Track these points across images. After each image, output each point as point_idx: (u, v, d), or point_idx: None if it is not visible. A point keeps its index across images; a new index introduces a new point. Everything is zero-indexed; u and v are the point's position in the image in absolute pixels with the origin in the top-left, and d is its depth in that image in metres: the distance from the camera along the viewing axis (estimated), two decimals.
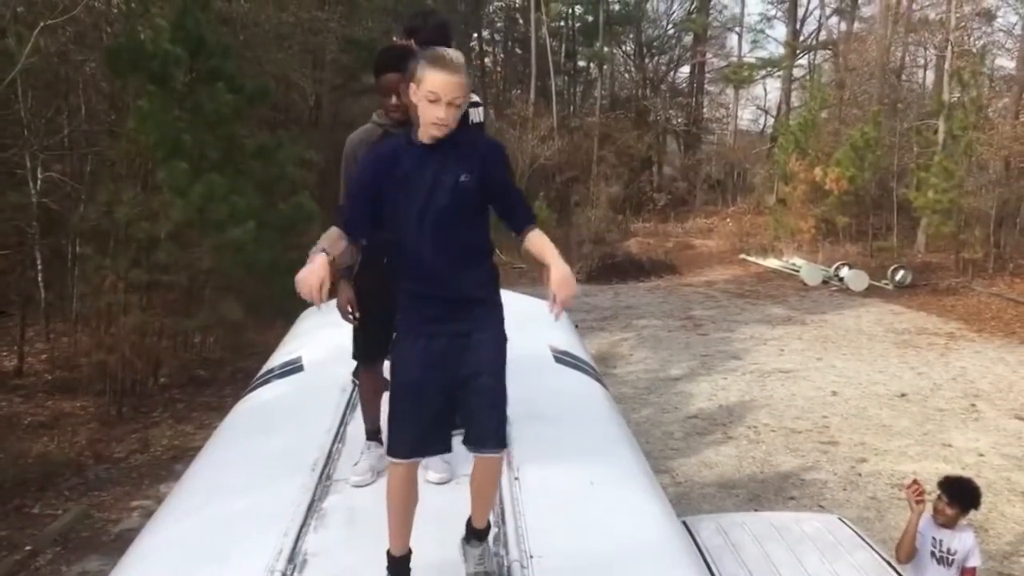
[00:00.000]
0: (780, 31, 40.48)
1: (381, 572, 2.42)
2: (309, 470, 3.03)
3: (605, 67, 38.79)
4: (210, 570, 2.54)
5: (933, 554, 4.58)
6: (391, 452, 2.45)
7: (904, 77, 32.65)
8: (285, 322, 6.44)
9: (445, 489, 2.91)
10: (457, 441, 2.52)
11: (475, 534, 2.47)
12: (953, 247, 22.18)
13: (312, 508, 2.78)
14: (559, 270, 2.37)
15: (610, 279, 22.89)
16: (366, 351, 3.29)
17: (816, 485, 8.65)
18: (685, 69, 42.33)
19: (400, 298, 2.52)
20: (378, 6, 22.72)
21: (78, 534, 7.50)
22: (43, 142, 11.33)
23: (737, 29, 40.89)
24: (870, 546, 4.40)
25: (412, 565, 2.44)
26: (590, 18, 38.33)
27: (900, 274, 20.93)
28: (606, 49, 37.76)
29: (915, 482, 4.70)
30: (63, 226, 11.79)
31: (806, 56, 39.23)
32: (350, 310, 3.30)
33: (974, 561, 4.58)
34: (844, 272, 21.38)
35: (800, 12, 38.47)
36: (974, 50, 25.88)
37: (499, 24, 40.57)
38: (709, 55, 40.87)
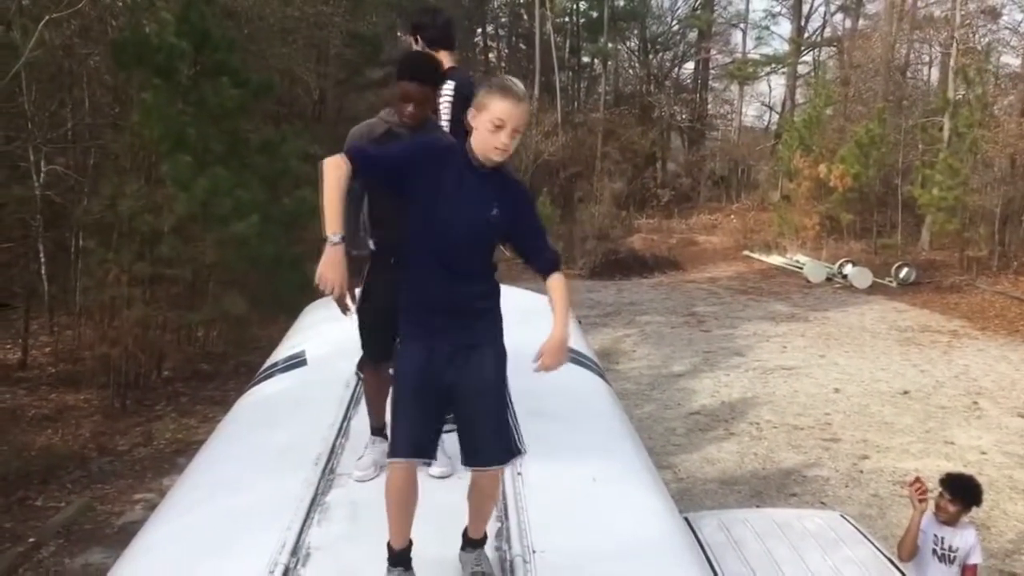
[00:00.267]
0: (785, 28, 40.44)
1: (383, 566, 2.43)
2: (312, 464, 3.04)
3: (609, 63, 38.73)
4: (213, 563, 2.54)
5: (935, 552, 4.57)
6: (393, 453, 2.47)
7: (909, 74, 32.58)
8: (289, 316, 6.44)
9: (446, 484, 2.91)
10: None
11: (471, 543, 2.48)
12: (957, 245, 22.15)
13: (315, 502, 2.79)
14: (556, 337, 2.48)
15: (613, 275, 22.89)
16: (372, 351, 3.29)
17: (818, 482, 8.65)
18: (689, 65, 42.34)
19: (404, 302, 2.55)
20: (383, 1, 22.69)
21: (81, 526, 7.52)
22: (47, 135, 11.33)
23: (742, 25, 40.87)
24: (872, 543, 4.40)
25: (413, 562, 2.45)
26: (594, 14, 38.27)
27: (904, 271, 20.91)
28: (610, 45, 37.69)
29: (918, 480, 4.70)
30: (67, 219, 11.80)
31: (811, 53, 39.17)
32: (347, 300, 3.31)
33: (976, 558, 4.58)
34: (848, 269, 21.37)
35: (805, 9, 38.43)
36: (979, 47, 25.82)
37: (503, 19, 40.53)
38: (713, 51, 40.84)
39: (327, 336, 4.51)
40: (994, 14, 28.15)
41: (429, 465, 2.61)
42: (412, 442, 2.43)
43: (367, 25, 21.45)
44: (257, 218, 10.31)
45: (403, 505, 2.43)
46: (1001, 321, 16.83)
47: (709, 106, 41.52)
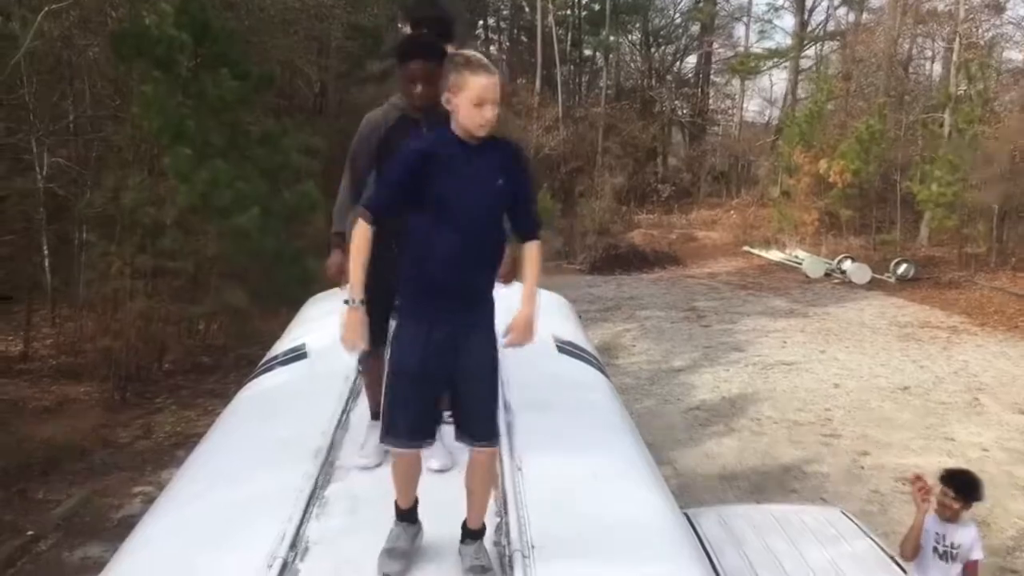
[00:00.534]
0: (788, 21, 40.48)
1: None
2: (312, 457, 3.03)
3: (611, 56, 38.64)
4: (212, 556, 2.54)
5: (936, 550, 4.55)
6: (392, 440, 2.50)
7: (911, 69, 32.53)
8: (289, 309, 6.43)
9: (446, 478, 2.91)
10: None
11: (470, 534, 2.49)
12: (956, 241, 22.15)
13: (314, 495, 2.78)
14: (524, 314, 2.53)
15: (613, 270, 22.89)
16: (372, 337, 3.29)
17: (818, 478, 8.66)
18: (691, 59, 42.21)
19: (405, 286, 2.57)
20: None
21: (81, 519, 7.53)
22: (48, 127, 11.33)
23: (744, 19, 40.74)
24: (871, 539, 4.40)
25: (414, 562, 2.48)
26: (597, 7, 38.18)
27: (903, 268, 20.90)
28: (612, 38, 37.60)
29: (921, 479, 4.67)
30: (69, 212, 11.80)
31: (813, 47, 39.08)
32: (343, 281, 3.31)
33: (977, 554, 4.56)
34: (847, 265, 21.36)
35: (808, 2, 38.29)
36: (982, 42, 25.78)
37: (505, 12, 40.45)
38: (716, 45, 40.72)
39: (328, 329, 4.47)
40: (998, 9, 28.12)
41: (429, 446, 2.65)
42: (411, 428, 2.48)
43: (368, 17, 21.39)
44: (258, 211, 10.31)
45: (408, 477, 2.54)
46: (1000, 317, 16.83)
47: (711, 101, 41.43)
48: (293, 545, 2.47)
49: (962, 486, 4.59)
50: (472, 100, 2.41)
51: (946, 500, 4.54)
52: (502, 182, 2.49)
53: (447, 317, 2.49)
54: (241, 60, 11.34)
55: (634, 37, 41.87)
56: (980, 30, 27.14)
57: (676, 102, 39.11)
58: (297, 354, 4.45)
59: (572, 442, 3.25)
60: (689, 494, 7.89)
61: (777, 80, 40.95)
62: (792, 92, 37.06)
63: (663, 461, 8.43)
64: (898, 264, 21.02)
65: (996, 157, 20.88)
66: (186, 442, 8.73)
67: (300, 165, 12.33)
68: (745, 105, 41.24)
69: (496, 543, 2.54)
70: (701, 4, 40.01)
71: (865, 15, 36.78)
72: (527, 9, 38.30)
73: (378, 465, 2.98)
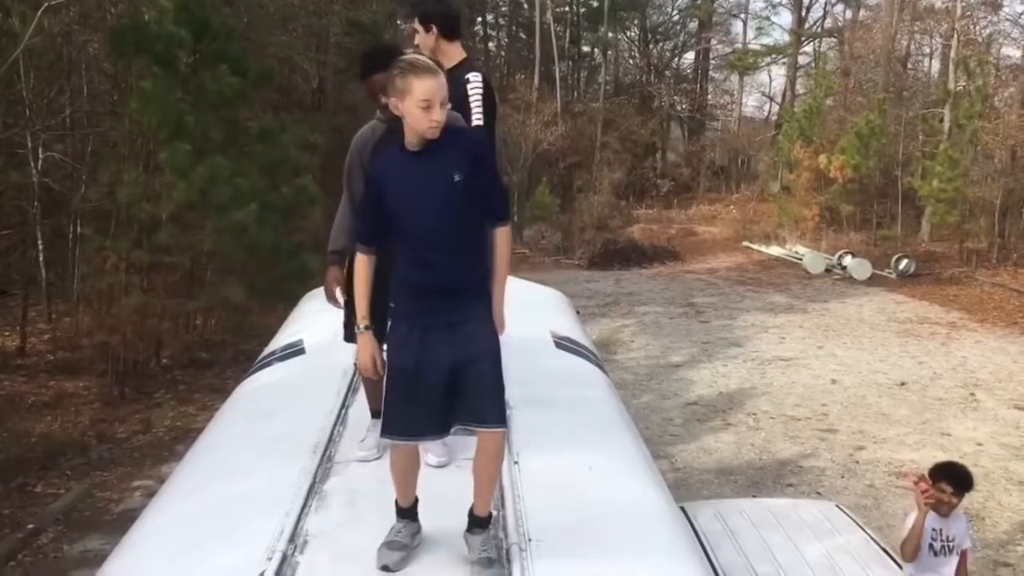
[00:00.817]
0: (785, 18, 40.38)
1: None
2: (310, 452, 3.05)
3: (609, 52, 38.65)
4: (211, 550, 2.56)
5: (932, 547, 4.55)
6: (387, 433, 2.52)
7: (910, 65, 32.54)
8: (287, 305, 6.45)
9: (445, 473, 2.92)
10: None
11: (477, 522, 2.50)
12: (957, 237, 22.15)
13: (313, 490, 2.80)
14: (495, 310, 2.59)
15: (612, 265, 22.89)
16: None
17: (814, 472, 8.68)
18: (690, 55, 42.29)
19: (395, 288, 2.59)
20: None
21: (80, 513, 7.55)
22: (45, 122, 11.32)
23: (742, 16, 40.78)
24: (867, 533, 4.42)
25: (413, 555, 2.49)
26: (595, 3, 38.18)
27: (903, 263, 20.91)
28: (611, 35, 37.60)
29: (922, 479, 4.66)
30: (65, 206, 11.80)
31: (811, 43, 39.09)
32: (337, 294, 3.34)
33: (967, 543, 4.60)
34: (847, 261, 21.36)
35: None
36: (980, 39, 25.78)
37: (503, 8, 40.41)
38: (714, 41, 40.77)
39: (326, 324, 4.50)
40: (995, 5, 28.13)
41: (431, 440, 2.69)
42: (409, 423, 2.50)
43: (367, 13, 21.41)
44: (256, 206, 10.30)
45: (407, 475, 2.57)
46: (1000, 313, 16.85)
47: (709, 96, 41.48)
48: (292, 539, 2.48)
49: (959, 480, 4.60)
50: (419, 103, 2.43)
51: (944, 496, 4.56)
52: (459, 177, 2.50)
53: (437, 316, 2.52)
54: (240, 56, 11.33)
55: (632, 33, 41.91)
56: (977, 27, 27.17)
57: (675, 97, 39.12)
58: (295, 349, 4.46)
59: (569, 437, 3.27)
60: (686, 488, 7.92)
61: (776, 76, 41.04)
62: (791, 88, 37.07)
63: (660, 456, 8.46)
64: (899, 260, 21.02)
65: (996, 152, 20.91)
66: (185, 437, 8.74)
67: (298, 161, 12.34)
68: (744, 100, 41.32)
69: (493, 536, 2.55)
70: (699, 1, 40.01)
71: (863, 12, 36.83)
72: (525, 6, 38.28)
73: (377, 458, 2.99)
